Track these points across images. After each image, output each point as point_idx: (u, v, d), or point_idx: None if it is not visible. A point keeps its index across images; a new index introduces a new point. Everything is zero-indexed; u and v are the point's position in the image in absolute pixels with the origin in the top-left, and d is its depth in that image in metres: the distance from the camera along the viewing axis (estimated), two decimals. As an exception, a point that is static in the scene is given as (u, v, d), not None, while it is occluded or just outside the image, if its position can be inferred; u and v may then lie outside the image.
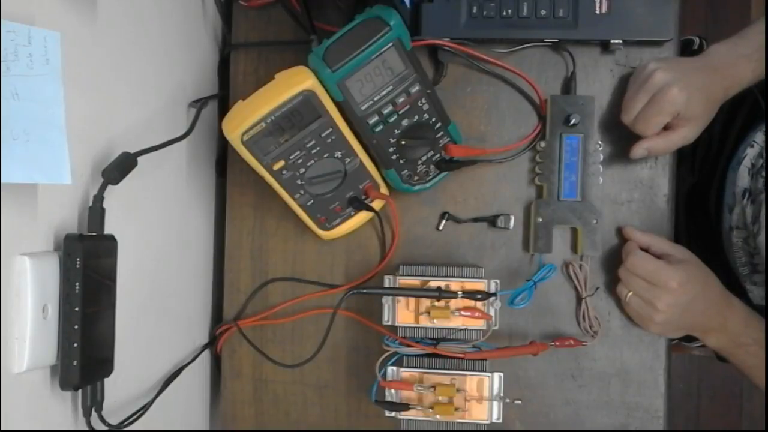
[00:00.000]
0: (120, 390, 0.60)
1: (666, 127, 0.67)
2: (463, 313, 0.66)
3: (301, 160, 0.65)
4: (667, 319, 0.68)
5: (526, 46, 0.73)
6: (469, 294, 0.66)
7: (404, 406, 0.66)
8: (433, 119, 0.68)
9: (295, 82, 0.61)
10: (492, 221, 0.75)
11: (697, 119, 0.66)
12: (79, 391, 0.53)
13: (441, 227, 0.76)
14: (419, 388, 0.65)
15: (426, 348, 0.67)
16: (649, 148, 0.68)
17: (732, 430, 1.71)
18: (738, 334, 0.69)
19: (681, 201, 0.83)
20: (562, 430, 0.75)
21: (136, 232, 0.63)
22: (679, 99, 0.64)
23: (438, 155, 0.71)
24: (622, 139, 0.74)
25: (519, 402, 0.69)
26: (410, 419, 0.67)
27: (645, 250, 0.70)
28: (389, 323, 0.68)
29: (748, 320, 0.69)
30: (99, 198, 0.53)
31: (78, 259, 0.50)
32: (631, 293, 0.69)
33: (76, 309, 0.50)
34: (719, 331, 0.69)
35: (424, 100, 0.66)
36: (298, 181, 0.67)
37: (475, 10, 0.71)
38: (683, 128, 0.67)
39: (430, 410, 0.65)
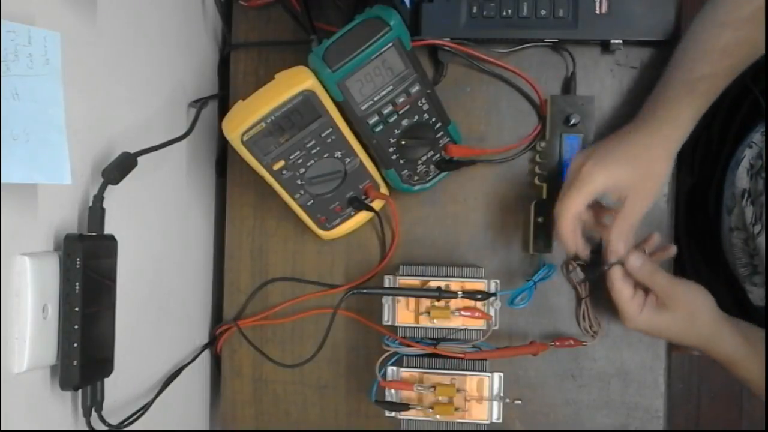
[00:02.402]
0: (120, 390, 0.60)
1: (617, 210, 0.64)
2: (463, 313, 0.66)
3: (301, 160, 0.65)
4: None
5: (526, 46, 0.73)
6: (469, 294, 0.66)
7: (404, 406, 0.66)
8: (433, 119, 0.68)
9: (295, 82, 0.61)
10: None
11: (637, 185, 0.62)
12: (79, 391, 0.53)
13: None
14: (419, 388, 0.66)
15: (426, 348, 0.67)
16: (619, 234, 0.64)
17: (732, 430, 1.71)
18: (724, 362, 0.67)
19: (681, 201, 0.83)
20: (562, 430, 0.75)
21: (136, 232, 0.63)
22: (593, 173, 0.61)
23: (438, 155, 0.71)
24: (622, 139, 0.74)
25: (519, 402, 0.69)
26: (410, 419, 0.67)
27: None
28: (389, 323, 0.68)
29: (734, 362, 0.66)
30: (99, 198, 0.53)
31: (78, 259, 0.50)
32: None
33: (76, 309, 0.50)
34: (709, 353, 0.68)
35: (424, 100, 0.66)
36: (298, 181, 0.67)
37: (475, 10, 0.71)
38: (629, 200, 0.63)
39: (430, 410, 0.65)
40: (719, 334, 0.66)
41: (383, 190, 0.73)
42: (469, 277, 0.68)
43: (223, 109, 0.80)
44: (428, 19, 0.71)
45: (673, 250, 0.71)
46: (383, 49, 0.61)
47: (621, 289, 0.65)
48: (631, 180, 0.63)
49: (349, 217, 0.73)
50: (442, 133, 0.69)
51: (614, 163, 0.62)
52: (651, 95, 0.66)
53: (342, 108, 0.64)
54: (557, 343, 0.70)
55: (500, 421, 0.66)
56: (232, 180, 0.79)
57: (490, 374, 0.67)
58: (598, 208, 0.67)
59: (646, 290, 0.65)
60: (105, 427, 0.55)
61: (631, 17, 0.70)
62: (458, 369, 0.67)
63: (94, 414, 0.54)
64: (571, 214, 0.63)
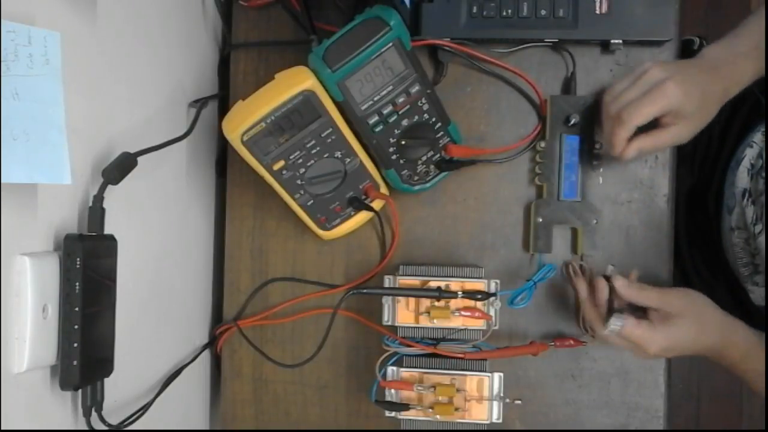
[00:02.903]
0: (120, 390, 0.60)
1: (658, 126, 0.64)
2: (463, 313, 0.66)
3: (301, 160, 0.65)
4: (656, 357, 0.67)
5: (526, 46, 0.73)
6: (469, 294, 0.66)
7: (404, 406, 0.66)
8: (433, 119, 0.68)
9: (295, 82, 0.61)
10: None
11: (691, 118, 0.64)
12: (79, 391, 0.53)
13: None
14: (419, 388, 0.66)
15: (426, 348, 0.67)
16: (639, 148, 0.64)
17: (732, 431, 1.71)
18: (734, 363, 0.67)
19: (681, 201, 0.83)
20: (562, 430, 0.75)
21: (136, 232, 0.63)
22: (675, 93, 0.61)
23: (438, 155, 0.71)
24: (622, 139, 0.74)
25: (519, 402, 0.69)
26: (410, 419, 0.67)
27: None
28: (389, 323, 0.68)
29: (748, 353, 0.66)
30: (99, 198, 0.53)
31: (78, 259, 0.50)
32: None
33: (76, 309, 0.50)
34: (715, 358, 0.68)
35: (424, 100, 0.66)
36: (298, 181, 0.67)
37: (475, 10, 0.71)
38: (676, 126, 0.64)
39: (430, 410, 0.65)
40: (733, 328, 0.66)
41: (383, 190, 0.73)
42: (469, 277, 0.68)
43: (223, 109, 0.80)
44: (428, 19, 0.71)
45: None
46: (383, 49, 0.61)
47: (623, 325, 0.63)
48: (692, 111, 0.63)
49: (349, 217, 0.73)
50: (442, 133, 0.69)
51: (693, 92, 0.63)
52: (738, 32, 0.67)
53: (342, 108, 0.64)
54: (557, 343, 0.70)
55: (500, 421, 0.66)
56: (232, 180, 0.79)
57: (490, 374, 0.67)
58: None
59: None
60: (105, 427, 0.55)
61: (631, 17, 0.70)
62: (458, 369, 0.67)
63: (94, 414, 0.54)
64: (640, 121, 0.63)
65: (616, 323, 0.62)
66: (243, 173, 0.78)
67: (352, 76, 0.62)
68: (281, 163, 0.65)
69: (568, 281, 0.74)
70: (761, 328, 0.67)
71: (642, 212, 0.74)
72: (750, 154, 0.77)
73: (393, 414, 0.66)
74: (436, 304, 0.66)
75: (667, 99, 0.62)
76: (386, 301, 0.68)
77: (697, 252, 0.91)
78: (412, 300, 0.68)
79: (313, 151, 0.65)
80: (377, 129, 0.66)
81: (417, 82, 0.64)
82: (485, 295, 0.66)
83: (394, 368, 0.67)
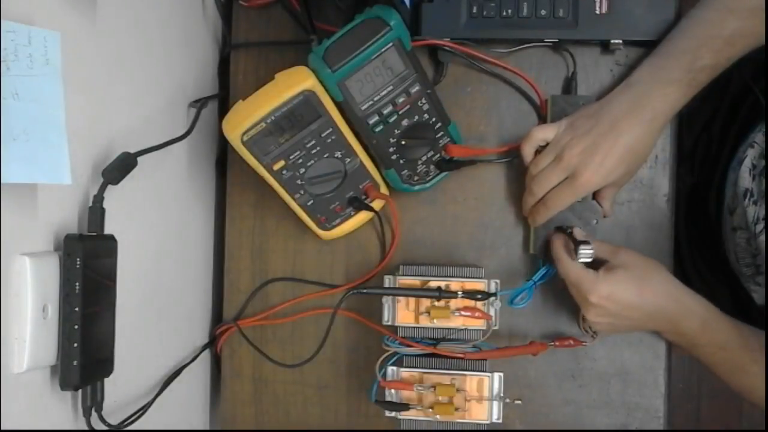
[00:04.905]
0: (120, 390, 0.60)
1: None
2: (463, 313, 0.66)
3: (301, 160, 0.65)
4: (600, 324, 0.67)
5: (526, 46, 0.73)
6: (469, 294, 0.66)
7: (404, 406, 0.66)
8: (433, 119, 0.68)
9: (295, 82, 0.61)
10: None
11: (620, 181, 0.67)
12: (79, 391, 0.53)
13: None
14: (419, 388, 0.66)
15: (426, 348, 0.67)
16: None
17: (732, 431, 1.71)
18: (693, 336, 0.66)
19: (681, 201, 0.83)
20: (562, 430, 0.75)
21: (136, 232, 0.63)
22: (594, 182, 0.64)
23: (438, 155, 0.71)
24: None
25: (519, 402, 0.69)
26: (410, 419, 0.67)
27: None
28: (389, 323, 0.68)
29: (706, 323, 0.65)
30: (99, 198, 0.53)
31: (78, 259, 0.50)
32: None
33: (76, 309, 0.50)
34: (672, 333, 0.68)
35: (424, 100, 0.66)
36: (298, 181, 0.67)
37: (475, 10, 0.71)
38: (607, 190, 0.68)
39: (430, 410, 0.65)
40: (690, 297, 0.65)
41: (383, 190, 0.73)
42: (469, 277, 0.68)
43: (223, 109, 0.80)
44: (428, 19, 0.71)
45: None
46: (383, 49, 0.61)
47: (570, 261, 0.66)
48: (618, 178, 0.66)
49: (349, 217, 0.73)
50: (442, 133, 0.69)
51: (616, 166, 0.64)
52: (644, 67, 0.66)
53: (342, 108, 0.64)
54: (557, 343, 0.70)
55: (500, 421, 0.66)
56: (232, 180, 0.79)
57: (490, 374, 0.67)
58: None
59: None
60: (105, 427, 0.55)
61: (631, 17, 0.70)
62: (458, 369, 0.67)
63: (94, 414, 0.54)
64: (561, 208, 0.67)
65: (586, 249, 0.63)
66: (243, 173, 0.78)
67: (352, 76, 0.62)
68: (281, 163, 0.65)
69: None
70: (763, 328, 0.67)
71: (642, 212, 0.74)
72: (751, 154, 0.77)
73: (393, 414, 0.66)
74: (436, 304, 0.66)
75: (588, 188, 0.65)
76: (386, 301, 0.68)
77: (697, 252, 0.91)
78: (412, 300, 0.68)
79: (313, 151, 0.65)
80: (377, 129, 0.66)
81: (417, 82, 0.64)
82: (485, 295, 0.66)
83: (394, 368, 0.67)
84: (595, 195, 0.70)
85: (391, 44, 0.61)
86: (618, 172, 0.65)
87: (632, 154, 0.65)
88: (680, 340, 0.68)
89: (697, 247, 0.90)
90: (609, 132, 0.64)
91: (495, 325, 0.67)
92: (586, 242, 0.63)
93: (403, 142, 0.68)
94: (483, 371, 0.67)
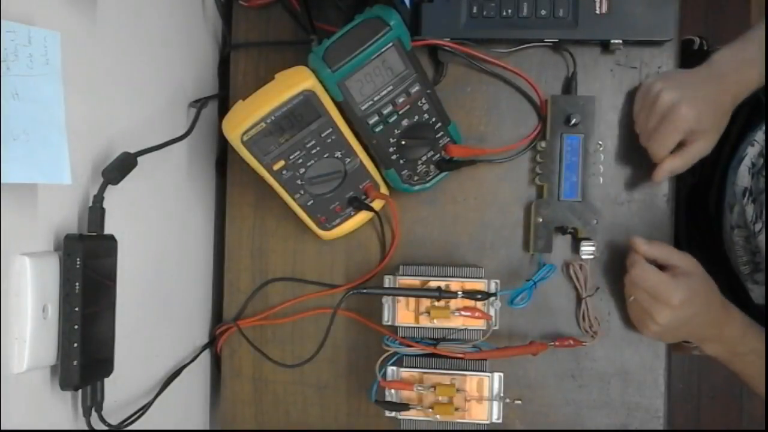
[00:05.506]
0: (120, 390, 0.60)
1: (681, 144, 0.67)
2: (463, 313, 0.66)
3: (301, 160, 0.65)
4: (664, 330, 0.68)
5: (526, 46, 0.73)
6: (469, 294, 0.66)
7: (404, 406, 0.66)
8: (433, 119, 0.68)
9: (295, 82, 0.61)
10: None
11: (710, 131, 0.67)
12: (79, 391, 0.53)
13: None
14: (419, 388, 0.65)
15: (426, 348, 0.67)
16: (671, 170, 0.68)
17: (732, 431, 1.71)
18: (735, 344, 0.68)
19: (681, 201, 0.83)
20: (562, 430, 0.75)
21: (136, 232, 0.63)
22: (690, 116, 0.65)
23: (438, 155, 0.71)
24: (623, 139, 0.74)
25: (519, 402, 0.69)
26: (410, 419, 0.67)
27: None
28: (389, 323, 0.68)
29: (746, 330, 0.68)
30: (99, 198, 0.53)
31: (78, 259, 0.50)
32: (633, 297, 0.69)
33: (76, 309, 0.50)
34: (716, 341, 0.69)
35: (424, 100, 0.66)
36: (298, 181, 0.67)
37: (475, 10, 0.71)
38: (698, 142, 0.67)
39: (430, 410, 0.65)
40: (728, 303, 0.68)
41: (383, 190, 0.73)
42: (469, 277, 0.68)
43: (223, 109, 0.80)
44: (428, 19, 0.71)
45: None
46: (383, 49, 0.61)
47: (648, 266, 0.67)
48: (708, 126, 0.67)
49: (349, 217, 0.73)
50: (442, 133, 0.69)
51: (705, 109, 0.66)
52: (747, 38, 0.68)
53: (342, 108, 0.64)
54: (557, 343, 0.70)
55: (500, 421, 0.66)
56: (232, 180, 0.79)
57: (490, 374, 0.67)
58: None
59: None
60: (105, 427, 0.55)
61: (631, 17, 0.70)
62: (458, 369, 0.67)
63: (94, 414, 0.54)
64: (666, 152, 0.68)
65: (588, 246, 0.65)
66: (243, 173, 0.78)
67: (352, 76, 0.62)
68: (281, 163, 0.65)
69: (569, 280, 0.74)
70: (761, 326, 0.68)
71: (642, 212, 0.74)
72: (751, 153, 0.77)
73: (393, 414, 0.66)
74: (436, 304, 0.66)
75: (684, 124, 0.66)
76: (386, 301, 0.68)
77: (697, 251, 0.90)
78: (412, 300, 0.68)
79: (313, 151, 0.65)
80: (377, 129, 0.66)
81: (417, 82, 0.64)
82: (485, 295, 0.66)
83: (394, 368, 0.67)
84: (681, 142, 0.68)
85: (391, 44, 0.61)
86: (708, 116, 0.66)
87: (716, 109, 0.67)
88: (720, 350, 0.70)
89: (697, 245, 0.90)
90: (694, 82, 0.67)
91: (495, 325, 0.67)
92: (587, 239, 0.64)
93: (403, 142, 0.68)
94: (483, 371, 0.67)
